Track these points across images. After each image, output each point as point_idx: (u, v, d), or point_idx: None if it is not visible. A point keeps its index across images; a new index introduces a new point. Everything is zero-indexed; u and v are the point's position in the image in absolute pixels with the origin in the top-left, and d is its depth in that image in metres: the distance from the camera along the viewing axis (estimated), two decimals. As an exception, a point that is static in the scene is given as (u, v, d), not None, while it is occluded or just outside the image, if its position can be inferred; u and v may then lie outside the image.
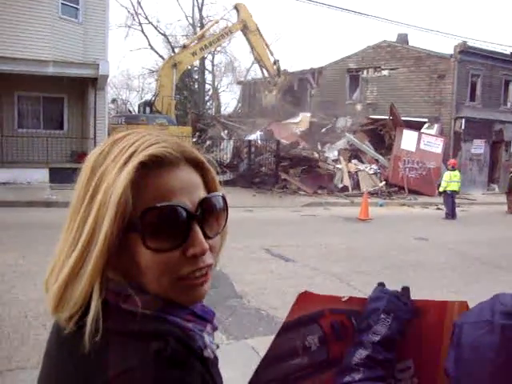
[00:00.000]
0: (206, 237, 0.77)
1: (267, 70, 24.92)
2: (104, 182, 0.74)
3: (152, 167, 0.74)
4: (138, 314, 0.73)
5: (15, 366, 4.11)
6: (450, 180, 16.13)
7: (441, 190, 16.63)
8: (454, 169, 16.40)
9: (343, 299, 1.30)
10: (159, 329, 0.73)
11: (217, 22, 26.88)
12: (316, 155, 20.91)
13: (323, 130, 24.20)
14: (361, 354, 1.22)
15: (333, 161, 21.56)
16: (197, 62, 37.30)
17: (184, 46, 24.82)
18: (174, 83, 22.67)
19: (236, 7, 24.49)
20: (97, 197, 0.74)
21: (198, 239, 0.75)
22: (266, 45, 25.16)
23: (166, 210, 0.73)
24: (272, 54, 25.67)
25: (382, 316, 1.22)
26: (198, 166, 0.81)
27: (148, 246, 0.73)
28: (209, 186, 0.83)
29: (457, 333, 1.12)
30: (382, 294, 1.29)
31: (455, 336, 1.11)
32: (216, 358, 0.86)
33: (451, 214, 15.72)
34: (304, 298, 1.24)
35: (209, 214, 0.79)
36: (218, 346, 0.86)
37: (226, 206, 0.83)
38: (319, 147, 22.30)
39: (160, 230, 0.73)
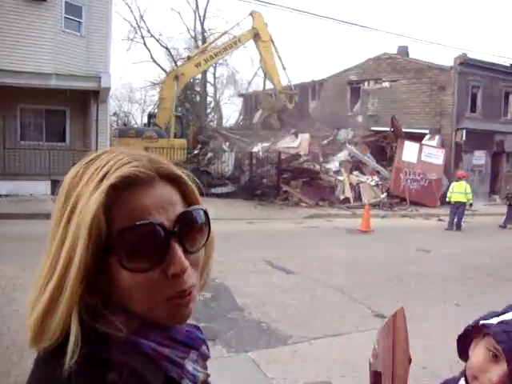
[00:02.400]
0: (187, 252, 0.75)
1: (273, 84, 24.11)
2: (78, 206, 0.72)
3: (124, 188, 0.73)
4: (110, 337, 0.72)
5: (13, 380, 4.09)
6: (453, 191, 16.18)
7: (447, 199, 16.83)
8: (458, 179, 16.45)
9: None
10: (116, 359, 0.71)
11: (224, 34, 26.33)
12: (317, 167, 20.91)
13: (324, 141, 24.22)
14: None
15: (334, 172, 21.57)
16: (199, 75, 37.56)
17: (188, 58, 24.67)
18: (175, 96, 22.55)
19: (251, 14, 23.56)
20: (72, 221, 0.72)
21: (177, 257, 0.73)
22: (279, 57, 24.05)
23: (141, 229, 0.71)
24: (284, 69, 24.55)
25: None
26: (175, 180, 0.79)
27: (125, 266, 0.71)
28: (188, 201, 0.81)
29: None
30: None
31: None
32: None
33: (454, 225, 15.75)
34: None
35: (188, 228, 0.76)
36: (208, 375, 0.83)
37: (208, 219, 0.81)
38: (321, 158, 22.30)
39: (136, 250, 0.71)
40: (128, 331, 0.73)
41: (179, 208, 0.77)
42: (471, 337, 1.25)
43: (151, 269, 0.72)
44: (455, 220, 15.84)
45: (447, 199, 16.68)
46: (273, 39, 23.80)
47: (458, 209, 15.92)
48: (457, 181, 16.51)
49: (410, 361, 1.19)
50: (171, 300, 0.74)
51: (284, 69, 24.42)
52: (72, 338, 0.69)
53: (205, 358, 0.84)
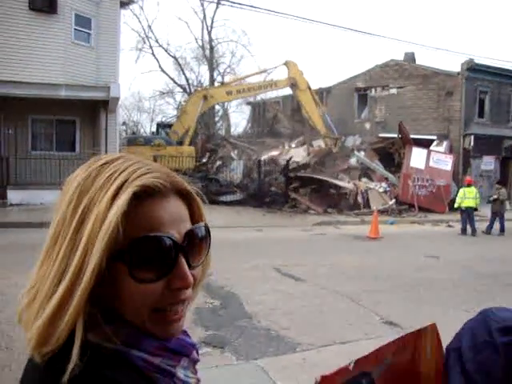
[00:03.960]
0: (190, 267, 0.77)
1: (317, 129, 23.86)
2: (93, 211, 0.72)
3: (143, 198, 0.73)
4: (100, 349, 0.72)
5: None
6: (464, 197, 16.26)
7: (455, 206, 16.87)
8: (469, 186, 16.55)
9: (350, 367, 1.31)
10: (105, 374, 0.70)
11: (264, 71, 26.25)
12: (326, 177, 20.90)
13: (333, 149, 24.25)
14: None
15: (342, 180, 21.59)
16: (207, 83, 37.77)
17: (223, 83, 24.91)
18: (198, 113, 22.59)
19: (286, 64, 23.76)
20: (86, 226, 0.72)
21: (184, 271, 0.75)
22: (315, 100, 24.16)
23: (155, 241, 0.73)
24: (322, 111, 24.50)
25: None
26: (185, 196, 0.81)
27: (134, 276, 0.72)
28: (195, 216, 0.83)
29: (455, 359, 1.11)
30: None
31: (455, 362, 1.11)
32: None
33: (468, 230, 15.89)
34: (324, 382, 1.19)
35: (193, 244, 0.79)
36: (198, 380, 0.85)
37: (209, 236, 0.83)
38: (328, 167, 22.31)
39: (147, 261, 0.72)
40: (120, 341, 0.73)
41: (188, 224, 0.79)
42: None
43: (157, 280, 0.73)
44: (469, 225, 15.95)
45: (456, 205, 16.70)
46: (310, 86, 23.87)
47: (469, 214, 16.00)
48: (467, 186, 16.57)
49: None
50: (164, 313, 0.76)
51: (323, 113, 24.32)
52: (76, 346, 0.69)
53: (195, 362, 0.85)
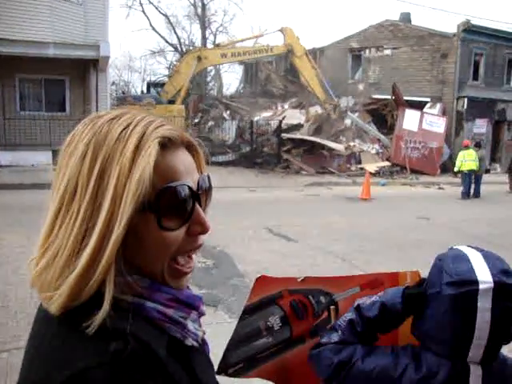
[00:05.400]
0: None
1: (315, 96, 23.62)
2: (113, 164, 0.72)
3: (164, 149, 0.76)
4: (117, 302, 0.73)
5: (23, 344, 4.18)
6: (464, 159, 16.19)
7: (455, 169, 16.82)
8: (466, 148, 16.44)
9: (299, 280, 1.38)
10: (121, 327, 0.71)
11: (261, 36, 25.78)
12: (318, 139, 20.81)
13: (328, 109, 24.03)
14: (345, 317, 1.32)
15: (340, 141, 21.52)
16: (199, 42, 37.08)
17: (217, 45, 24.46)
18: (190, 75, 22.26)
19: (282, 31, 23.31)
20: (109, 180, 0.72)
21: (202, 217, 0.79)
22: (314, 67, 23.63)
23: (178, 190, 0.76)
24: (320, 79, 23.72)
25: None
26: (191, 148, 0.84)
27: (162, 225, 0.74)
28: (200, 168, 0.86)
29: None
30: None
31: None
32: (203, 344, 0.87)
33: (473, 193, 15.95)
34: (262, 281, 1.30)
35: (204, 192, 0.83)
36: (204, 333, 0.87)
37: (211, 187, 0.87)
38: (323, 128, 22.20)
39: (171, 209, 0.75)
40: (135, 293, 0.75)
41: (196, 174, 0.82)
42: None
43: (179, 228, 0.77)
44: (472, 188, 15.96)
45: (457, 169, 16.54)
46: (307, 52, 23.51)
47: (471, 177, 15.98)
48: (465, 149, 16.46)
49: None
50: (178, 264, 0.80)
51: (320, 81, 23.77)
52: (108, 297, 0.71)
53: (200, 316, 0.87)
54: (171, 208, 0.75)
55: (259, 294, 1.31)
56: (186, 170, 0.79)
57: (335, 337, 1.29)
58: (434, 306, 1.22)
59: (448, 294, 1.19)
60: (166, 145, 0.76)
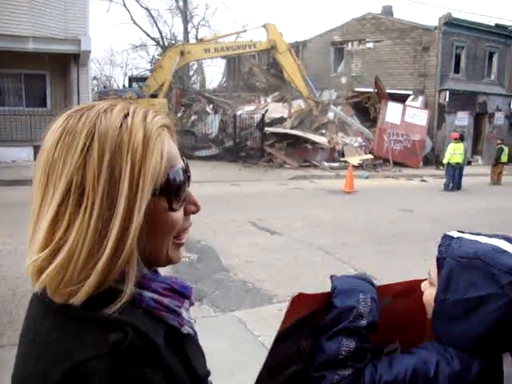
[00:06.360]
0: None
1: (299, 91, 23.59)
2: (125, 153, 0.73)
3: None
4: (114, 291, 0.73)
5: (6, 342, 4.16)
6: (454, 152, 16.42)
7: (444, 161, 17.02)
8: (456, 141, 16.67)
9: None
10: (120, 318, 0.72)
11: (244, 31, 25.66)
12: (301, 133, 20.83)
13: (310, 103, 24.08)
14: (348, 345, 1.16)
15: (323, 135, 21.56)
16: (181, 37, 36.85)
17: (200, 40, 24.30)
18: (173, 69, 22.09)
19: (265, 27, 23.05)
20: (121, 170, 0.72)
21: (194, 197, 0.86)
22: (297, 63, 23.39)
23: (179, 173, 0.81)
24: (303, 74, 23.40)
25: (362, 296, 1.19)
26: (171, 134, 0.86)
27: (172, 207, 0.79)
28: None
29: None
30: (349, 277, 1.28)
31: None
32: (195, 332, 0.88)
33: (455, 186, 16.14)
34: (299, 300, 1.14)
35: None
36: (194, 321, 0.88)
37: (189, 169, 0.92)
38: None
39: (177, 191, 0.80)
40: (134, 283, 0.75)
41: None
42: None
43: (180, 208, 0.82)
44: (455, 180, 16.18)
45: (445, 161, 16.75)
46: (290, 48, 23.43)
47: (456, 170, 16.23)
48: (454, 142, 16.67)
49: None
50: (177, 239, 0.84)
51: (303, 76, 23.46)
52: (130, 283, 0.73)
53: (191, 304, 0.88)
54: (175, 190, 0.80)
55: (295, 316, 1.15)
56: (177, 154, 0.83)
57: (347, 370, 1.15)
58: (489, 309, 1.12)
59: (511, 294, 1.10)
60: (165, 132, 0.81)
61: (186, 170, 0.84)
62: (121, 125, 0.74)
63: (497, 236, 1.23)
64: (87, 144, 0.72)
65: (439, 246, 1.26)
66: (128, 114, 0.77)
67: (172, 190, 0.79)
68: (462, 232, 1.28)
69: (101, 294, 0.72)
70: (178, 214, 0.81)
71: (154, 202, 0.76)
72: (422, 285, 1.31)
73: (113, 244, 0.71)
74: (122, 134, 0.74)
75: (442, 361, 1.15)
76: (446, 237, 1.27)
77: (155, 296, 0.78)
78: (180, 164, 0.83)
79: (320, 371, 1.16)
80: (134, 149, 0.73)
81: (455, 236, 1.25)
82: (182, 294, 0.84)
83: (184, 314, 0.83)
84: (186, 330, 0.82)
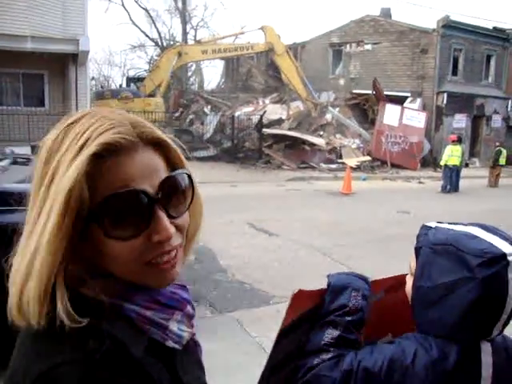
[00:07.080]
0: (171, 217, 0.76)
1: (297, 93, 23.32)
2: (59, 172, 0.71)
3: (107, 156, 0.71)
4: (93, 302, 0.73)
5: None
6: (452, 154, 16.46)
7: (442, 163, 17.05)
8: (454, 143, 16.72)
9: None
10: (99, 328, 0.71)
11: (242, 33, 25.55)
12: (299, 134, 20.84)
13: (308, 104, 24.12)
14: (332, 333, 1.20)
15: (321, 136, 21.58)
16: (179, 37, 36.82)
17: (198, 41, 24.28)
18: (170, 70, 22.07)
19: (262, 29, 23.09)
20: (51, 188, 0.71)
21: (162, 224, 0.74)
22: (295, 65, 23.43)
23: (124, 197, 0.71)
24: (301, 76, 23.53)
25: (353, 294, 1.24)
26: (158, 145, 0.78)
27: (109, 235, 0.71)
28: (172, 165, 0.80)
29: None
30: (344, 274, 1.33)
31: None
32: (194, 345, 0.88)
33: (452, 187, 16.15)
34: (299, 297, 1.17)
35: (172, 193, 0.77)
36: (193, 334, 0.86)
37: (192, 183, 0.82)
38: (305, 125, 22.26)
39: (120, 218, 0.71)
40: (112, 295, 0.74)
41: (162, 174, 0.76)
42: None
43: (135, 236, 0.73)
44: (452, 183, 16.20)
45: (443, 162, 16.80)
46: (288, 50, 23.40)
47: (453, 172, 16.26)
48: (452, 144, 16.71)
49: None
50: (154, 265, 0.76)
51: (302, 78, 23.56)
52: (59, 302, 0.70)
53: (190, 317, 0.86)
54: (120, 217, 0.71)
55: (296, 312, 1.18)
56: (141, 173, 0.73)
57: (327, 354, 1.19)
58: (461, 292, 1.13)
59: (482, 276, 1.10)
60: (111, 151, 0.71)
61: (157, 191, 0.74)
62: (68, 145, 0.72)
63: (473, 224, 1.27)
64: (42, 160, 0.75)
65: (417, 236, 1.30)
66: (82, 130, 0.73)
67: (109, 216, 0.71)
68: (441, 222, 1.31)
69: (83, 304, 0.72)
70: (129, 243, 0.72)
71: (92, 227, 0.72)
72: (407, 277, 1.35)
73: (27, 261, 0.71)
74: (64, 155, 0.72)
75: (421, 350, 1.17)
76: (424, 227, 1.31)
77: (136, 308, 0.76)
78: (140, 185, 0.72)
79: (305, 358, 1.20)
80: (62, 172, 0.70)
81: (433, 226, 1.29)
82: (171, 306, 0.81)
83: (173, 326, 0.80)
84: (170, 344, 0.79)
